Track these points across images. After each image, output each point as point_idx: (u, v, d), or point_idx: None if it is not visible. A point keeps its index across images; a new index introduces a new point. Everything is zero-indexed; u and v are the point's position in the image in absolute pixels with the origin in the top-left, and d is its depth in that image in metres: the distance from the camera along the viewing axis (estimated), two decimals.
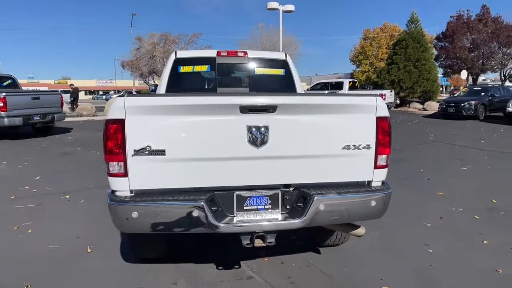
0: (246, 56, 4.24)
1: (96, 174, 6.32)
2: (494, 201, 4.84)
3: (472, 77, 33.80)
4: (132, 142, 2.15)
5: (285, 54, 4.47)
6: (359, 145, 2.36)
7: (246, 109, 2.18)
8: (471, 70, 32.11)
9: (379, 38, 60.85)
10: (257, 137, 2.22)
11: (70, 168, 6.95)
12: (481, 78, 39.70)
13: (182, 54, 4.17)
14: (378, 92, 17.19)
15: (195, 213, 2.14)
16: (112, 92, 62.97)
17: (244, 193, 2.32)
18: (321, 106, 2.29)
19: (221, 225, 2.20)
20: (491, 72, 35.39)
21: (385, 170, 2.48)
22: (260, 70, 4.27)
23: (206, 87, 4.23)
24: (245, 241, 2.35)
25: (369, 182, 2.47)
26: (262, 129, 2.22)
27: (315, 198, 2.25)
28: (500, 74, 35.63)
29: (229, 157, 2.24)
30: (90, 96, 68.46)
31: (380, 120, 2.38)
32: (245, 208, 2.32)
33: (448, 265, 3.10)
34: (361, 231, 2.67)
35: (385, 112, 2.39)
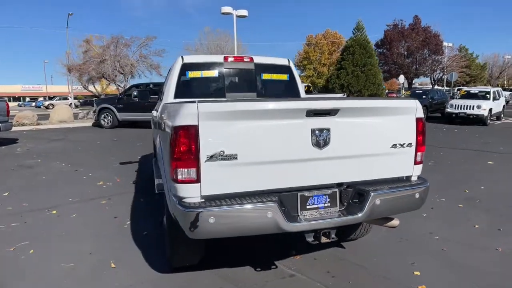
0: (252, 61, 4.33)
1: (73, 187, 5.96)
2: (467, 191, 5.43)
3: (408, 81, 36.69)
4: (205, 148, 2.15)
5: (288, 60, 4.62)
6: (404, 143, 2.58)
7: (311, 113, 2.29)
8: (406, 74, 34.84)
9: (322, 44, 63.62)
10: (320, 139, 2.34)
11: (39, 182, 6.44)
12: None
13: (189, 59, 4.13)
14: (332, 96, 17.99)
15: (270, 214, 2.20)
16: (41, 98, 58.29)
17: (306, 193, 2.41)
18: (374, 109, 2.48)
19: (293, 224, 2.28)
20: (424, 76, 38.73)
21: (421, 166, 2.73)
22: (267, 76, 4.38)
23: (215, 92, 4.24)
24: (309, 238, 2.45)
25: (409, 177, 2.71)
26: (325, 131, 2.34)
27: (372, 194, 2.43)
28: (431, 78, 39.16)
29: (294, 159, 2.33)
30: (16, 103, 62.64)
31: (418, 120, 2.63)
32: (307, 207, 2.42)
33: (457, 247, 3.45)
34: (395, 222, 2.89)
35: (421, 114, 2.65)
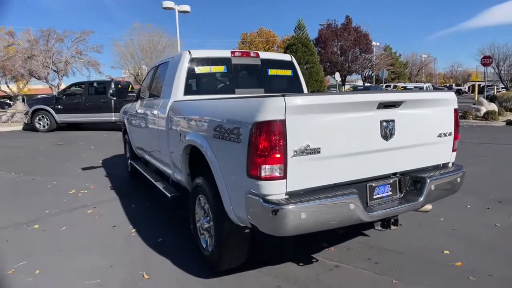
0: (258, 57, 4.27)
1: (42, 197, 5.36)
2: None
3: (342, 79, 38.87)
4: (292, 143, 2.08)
5: (291, 56, 4.64)
6: (446, 132, 2.77)
7: (382, 105, 2.34)
8: (340, 72, 36.84)
9: (257, 42, 64.48)
10: (387, 131, 2.41)
11: None
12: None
13: (197, 54, 3.93)
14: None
15: (352, 206, 2.21)
16: None
17: (374, 183, 2.47)
18: (428, 101, 2.62)
19: (370, 214, 2.32)
20: (356, 74, 41.31)
21: (455, 153, 2.95)
22: (273, 71, 4.34)
23: (224, 88, 4.09)
24: (377, 227, 2.52)
25: (446, 164, 2.91)
26: (391, 123, 2.42)
27: (428, 180, 2.57)
28: (361, 76, 41.95)
29: (366, 151, 2.36)
30: None
31: (455, 111, 2.84)
32: (374, 197, 2.48)
33: (463, 226, 3.79)
34: (428, 206, 3.08)
35: (457, 105, 2.86)
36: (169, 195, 3.78)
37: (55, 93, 16.92)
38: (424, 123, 2.64)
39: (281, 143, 2.06)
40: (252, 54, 4.21)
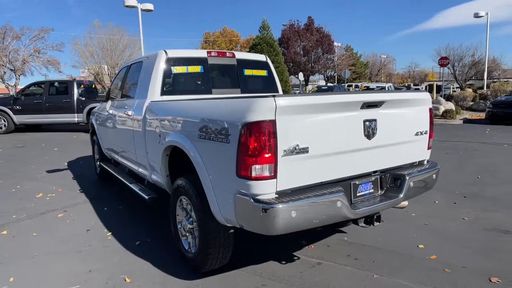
0: (234, 57, 4.26)
1: (6, 202, 5.09)
2: None
3: (304, 79, 39.57)
4: (282, 143, 2.11)
5: (266, 56, 4.67)
6: (422, 131, 2.91)
7: (365, 105, 2.43)
8: (304, 72, 37.50)
9: (220, 42, 64.14)
10: (370, 130, 2.50)
11: None
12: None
13: (173, 53, 3.85)
14: None
15: (339, 203, 2.27)
16: None
17: (357, 181, 2.55)
18: (406, 101, 2.74)
19: (355, 211, 2.39)
20: (318, 74, 42.19)
21: (430, 151, 3.11)
22: (249, 71, 4.34)
23: (200, 88, 4.04)
24: (361, 224, 2.61)
25: (422, 161, 3.07)
26: (373, 122, 2.51)
27: (407, 177, 2.69)
28: (324, 76, 42.91)
29: (350, 150, 2.44)
30: None
31: (430, 110, 2.99)
32: (357, 194, 2.56)
33: (434, 221, 4.00)
34: (405, 203, 3.22)
35: (431, 105, 3.02)
36: (146, 197, 3.69)
37: (12, 93, 15.91)
38: (403, 122, 2.76)
39: (271, 143, 2.08)
40: (228, 54, 4.21)
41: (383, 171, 2.74)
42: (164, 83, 3.75)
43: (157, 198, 3.73)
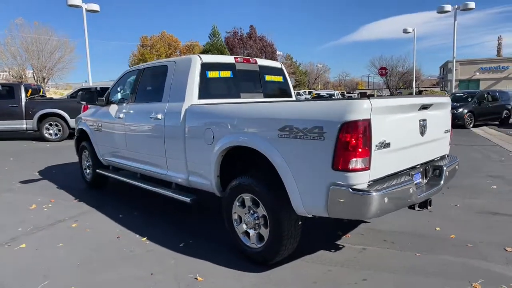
0: (257, 63, 4.49)
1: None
2: None
3: None
4: (375, 138, 2.43)
5: (281, 63, 4.95)
6: (448, 129, 3.45)
7: (421, 107, 2.86)
8: None
9: (158, 46, 62.61)
10: (423, 128, 2.94)
11: None
12: None
13: (206, 58, 3.96)
14: None
15: (411, 190, 2.66)
16: None
17: (412, 172, 2.97)
18: (441, 104, 3.24)
19: (419, 196, 2.81)
20: None
21: (449, 146, 3.67)
22: (269, 77, 4.59)
23: (231, 92, 4.19)
24: (417, 208, 3.02)
25: (444, 156, 3.60)
26: (425, 121, 2.96)
27: (444, 167, 3.19)
28: None
29: (411, 145, 2.85)
30: None
31: (450, 112, 3.55)
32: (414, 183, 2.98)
33: (433, 208, 4.60)
34: None
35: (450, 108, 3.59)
36: (188, 200, 3.75)
37: None
38: (439, 121, 3.27)
39: (368, 139, 2.40)
40: (251, 61, 4.43)
41: (426, 163, 3.21)
42: (200, 87, 3.86)
43: (197, 199, 3.81)
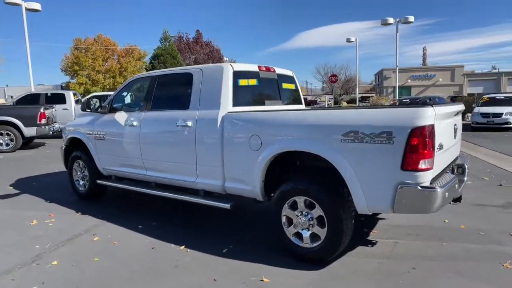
0: (275, 72, 4.67)
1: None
2: None
3: None
4: (436, 141, 2.77)
5: (292, 72, 5.16)
6: (461, 132, 3.94)
7: (456, 114, 3.28)
8: None
9: (94, 50, 59.35)
10: (454, 131, 3.37)
11: None
12: None
13: (237, 67, 4.03)
14: None
15: (457, 185, 3.04)
16: None
17: (447, 170, 3.37)
18: (461, 110, 3.70)
19: (459, 191, 3.21)
20: None
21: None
22: (285, 85, 4.78)
23: (257, 99, 4.29)
24: (451, 202, 3.41)
25: (458, 155, 4.09)
26: (455, 126, 3.39)
27: (466, 165, 3.65)
28: None
29: (448, 147, 3.24)
30: None
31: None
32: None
33: None
34: None
35: None
36: (228, 206, 3.81)
37: None
38: (460, 125, 3.73)
39: (432, 142, 2.73)
40: (271, 69, 4.60)
41: (452, 162, 3.65)
42: (233, 95, 3.95)
43: (236, 205, 3.88)
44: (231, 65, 4.04)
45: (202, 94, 4.07)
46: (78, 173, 5.72)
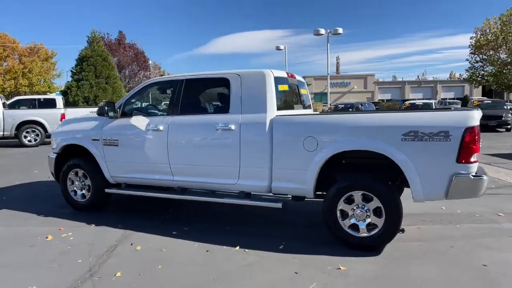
0: (295, 78, 4.98)
1: (24, 253, 4.00)
2: None
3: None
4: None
5: (302, 77, 5.49)
6: None
7: None
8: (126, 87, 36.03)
9: None
10: None
11: None
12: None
13: (275, 73, 4.24)
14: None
15: (485, 177, 3.70)
16: None
17: None
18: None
19: None
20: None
21: None
22: (302, 91, 5.13)
23: (288, 104, 4.50)
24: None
25: None
26: None
27: None
28: None
29: None
30: None
31: None
32: None
33: None
34: None
35: None
36: (279, 205, 4.01)
37: None
38: None
39: (479, 139, 3.34)
40: (293, 76, 4.92)
41: None
42: (276, 99, 4.18)
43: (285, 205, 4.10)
44: (271, 71, 4.26)
45: (243, 99, 4.20)
46: (76, 182, 5.29)
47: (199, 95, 4.60)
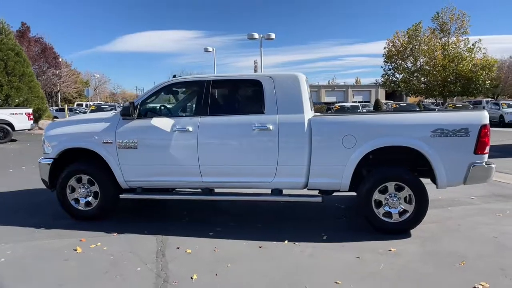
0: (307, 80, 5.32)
1: (72, 270, 3.68)
2: None
3: None
4: None
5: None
6: None
7: None
8: None
9: None
10: None
11: None
12: None
13: (302, 75, 4.54)
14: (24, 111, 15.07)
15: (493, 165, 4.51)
16: None
17: None
18: None
19: None
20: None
21: None
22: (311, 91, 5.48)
23: (311, 105, 4.80)
24: None
25: None
26: None
27: None
28: (46, 94, 37.98)
29: None
30: None
31: None
32: None
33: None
34: None
35: None
36: (320, 199, 4.33)
37: None
38: None
39: (490, 134, 4.11)
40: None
41: None
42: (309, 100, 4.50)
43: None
44: (303, 74, 4.55)
45: (278, 100, 4.41)
46: (80, 190, 4.86)
47: (229, 96, 4.65)
